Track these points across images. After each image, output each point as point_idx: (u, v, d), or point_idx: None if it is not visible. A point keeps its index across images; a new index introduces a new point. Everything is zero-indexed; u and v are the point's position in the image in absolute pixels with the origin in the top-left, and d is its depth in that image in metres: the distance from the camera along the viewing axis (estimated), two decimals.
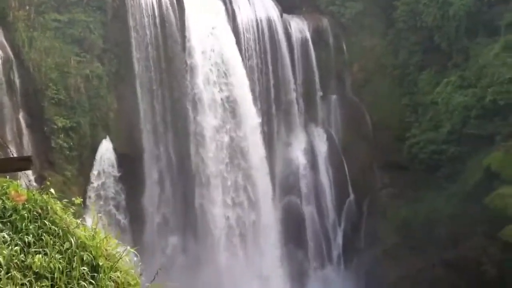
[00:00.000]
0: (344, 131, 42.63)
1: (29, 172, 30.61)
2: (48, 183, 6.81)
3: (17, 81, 33.60)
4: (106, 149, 35.96)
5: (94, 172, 35.48)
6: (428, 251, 34.42)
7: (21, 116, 33.70)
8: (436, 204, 36.19)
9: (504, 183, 31.41)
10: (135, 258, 6.43)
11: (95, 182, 35.43)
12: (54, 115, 34.43)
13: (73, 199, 6.75)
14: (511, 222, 29.45)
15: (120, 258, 6.00)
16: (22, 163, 6.97)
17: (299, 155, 41.42)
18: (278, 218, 39.93)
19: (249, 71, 39.44)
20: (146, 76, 37.61)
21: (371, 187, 41.23)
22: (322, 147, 42.08)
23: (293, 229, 40.38)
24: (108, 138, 36.29)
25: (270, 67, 40.87)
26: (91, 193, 35.14)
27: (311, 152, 41.78)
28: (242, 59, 39.04)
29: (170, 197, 38.09)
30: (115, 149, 36.26)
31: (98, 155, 35.75)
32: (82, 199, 6.89)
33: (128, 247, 6.24)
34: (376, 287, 35.91)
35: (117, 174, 35.87)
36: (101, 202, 35.14)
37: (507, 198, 30.32)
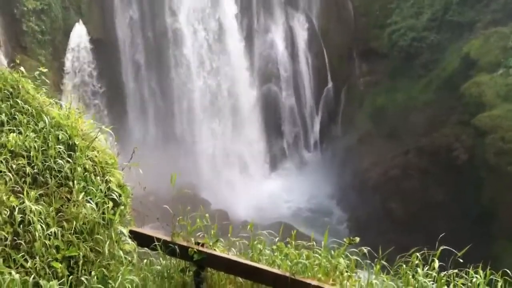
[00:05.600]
0: (325, 17, 41.75)
1: (1, 56, 29.84)
2: (18, 61, 6.55)
3: None
4: (79, 33, 34.91)
5: (68, 56, 34.67)
6: (402, 138, 35.16)
7: None
8: (413, 92, 36.48)
9: (481, 71, 31.51)
10: (110, 138, 6.36)
11: (69, 67, 34.75)
12: None
13: (39, 68, 6.56)
14: (485, 109, 29.93)
15: (96, 137, 5.92)
16: None
17: (278, 42, 40.76)
18: (257, 105, 40.07)
19: None
20: None
21: (350, 75, 41.21)
22: (302, 34, 41.36)
23: (271, 117, 40.71)
24: (81, 21, 35.11)
25: None
26: (65, 79, 34.57)
27: (290, 39, 41.10)
28: None
29: (147, 79, 37.77)
30: (88, 33, 35.22)
31: (71, 39, 34.76)
32: (47, 69, 6.71)
33: (103, 127, 6.15)
34: (350, 173, 36.94)
35: (92, 59, 35.15)
36: (77, 87, 34.72)
37: (483, 86, 30.57)
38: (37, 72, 6.58)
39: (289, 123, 41.46)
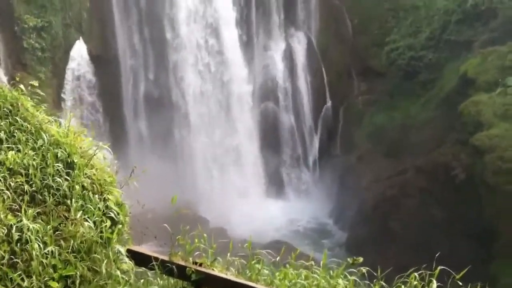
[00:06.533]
0: (324, 35, 42.00)
1: (1, 74, 29.93)
2: (17, 79, 6.57)
3: None
4: (80, 51, 35.10)
5: (69, 73, 34.81)
6: (401, 157, 35.13)
7: None
8: (411, 110, 36.55)
9: (479, 90, 31.59)
10: (110, 156, 6.36)
11: (69, 84, 34.87)
12: (24, 14, 33.18)
13: (31, 82, 6.59)
14: (483, 128, 29.95)
15: (94, 154, 5.92)
16: None
17: (277, 60, 40.97)
18: (256, 123, 40.13)
19: None
20: None
21: (348, 94, 41.30)
22: (301, 52, 41.58)
23: (270, 135, 40.74)
24: (81, 39, 35.31)
25: None
26: (66, 96, 34.68)
27: (289, 57, 41.32)
28: None
29: (147, 95, 37.93)
30: (89, 51, 35.42)
31: (71, 57, 34.94)
32: (37, 82, 6.73)
33: (101, 143, 6.15)
34: (349, 191, 36.84)
35: (92, 76, 35.31)
36: (77, 105, 34.81)
37: (481, 105, 30.61)
38: (33, 83, 6.58)
39: (288, 141, 41.49)
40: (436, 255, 5.93)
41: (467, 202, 29.40)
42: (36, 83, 6.65)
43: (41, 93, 6.61)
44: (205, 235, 6.27)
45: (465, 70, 33.10)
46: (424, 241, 28.92)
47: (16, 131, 5.81)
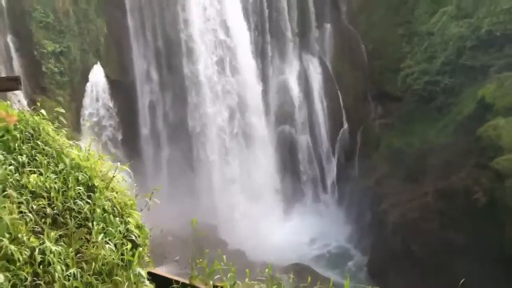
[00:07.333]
0: (339, 61, 42.20)
1: (21, 96, 30.37)
2: (39, 104, 6.67)
3: (3, 1, 32.68)
4: (97, 75, 35.59)
5: (87, 98, 35.24)
6: (420, 181, 34.86)
7: (9, 39, 33.01)
8: (428, 135, 36.38)
9: (497, 115, 31.42)
10: (129, 179, 6.40)
11: (88, 108, 35.29)
12: (43, 39, 33.79)
13: (56, 109, 6.66)
14: (503, 152, 29.69)
15: (113, 177, 5.96)
16: (11, 83, 6.76)
17: (293, 84, 41.17)
18: (273, 147, 40.19)
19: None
20: (136, 1, 36.77)
21: (365, 118, 41.28)
22: (316, 77, 41.77)
23: (288, 158, 40.75)
24: (99, 63, 35.82)
25: None
26: (84, 119, 35.07)
27: (305, 82, 41.51)
28: None
29: (164, 124, 38.21)
30: (106, 75, 35.90)
31: (89, 81, 35.43)
32: (64, 110, 6.80)
33: (119, 164, 6.20)
34: (368, 215, 36.62)
35: (109, 99, 35.72)
36: (95, 127, 35.18)
37: (500, 129, 30.40)
38: (58, 109, 6.68)
39: (306, 164, 41.47)
40: (461, 281, 5.82)
41: (487, 227, 29.01)
42: (61, 110, 6.73)
43: (63, 121, 6.68)
44: (224, 256, 6.26)
45: (483, 95, 32.99)
46: (445, 265, 28.57)
47: (37, 154, 5.88)
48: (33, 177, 5.53)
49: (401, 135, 38.16)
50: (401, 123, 38.77)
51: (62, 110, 6.84)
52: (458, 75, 36.64)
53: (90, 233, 5.37)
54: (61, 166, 5.81)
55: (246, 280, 6.31)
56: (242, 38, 38.11)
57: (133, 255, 5.45)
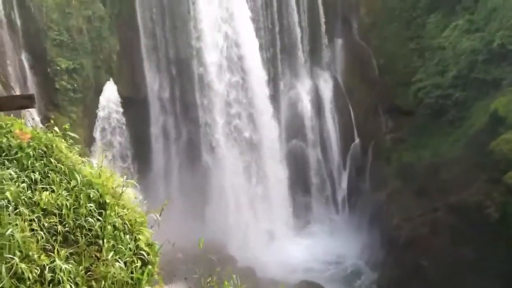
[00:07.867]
0: (350, 75, 42.22)
1: (34, 113, 30.69)
2: (52, 121, 6.75)
3: (18, 21, 33.13)
4: (110, 92, 35.86)
5: (100, 114, 35.50)
6: (431, 195, 34.61)
7: (23, 57, 33.42)
8: (440, 149, 36.16)
9: (510, 128, 31.15)
10: (140, 197, 6.43)
11: (101, 124, 35.52)
12: (56, 56, 34.18)
13: (63, 126, 6.74)
14: None
15: (122, 192, 6.00)
16: (25, 101, 6.85)
17: (304, 99, 41.21)
18: (284, 162, 40.12)
19: (254, 14, 38.74)
20: (149, 18, 37.11)
21: (376, 132, 41.15)
22: (327, 91, 41.79)
23: (298, 172, 40.65)
24: (111, 80, 36.12)
25: (275, 10, 40.07)
26: (96, 135, 35.30)
27: (316, 96, 41.55)
28: (247, 1, 38.27)
29: (176, 141, 38.35)
30: (119, 92, 36.17)
31: (102, 98, 35.70)
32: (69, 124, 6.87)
33: (129, 180, 6.23)
34: (379, 229, 36.35)
35: (121, 116, 35.93)
36: (107, 144, 35.37)
37: None
38: (66, 126, 6.74)
39: (317, 178, 41.35)
40: None
41: (499, 242, 28.69)
42: (67, 126, 6.80)
43: (76, 136, 6.76)
44: (234, 275, 6.25)
45: (495, 108, 32.79)
46: (456, 281, 28.24)
47: (50, 172, 5.94)
48: (45, 195, 5.58)
49: (413, 149, 37.97)
50: (412, 137, 38.59)
51: (73, 134, 6.89)
52: (470, 89, 36.48)
53: (100, 251, 5.37)
54: (73, 183, 5.86)
55: None
56: (253, 56, 38.26)
57: (142, 273, 5.44)
